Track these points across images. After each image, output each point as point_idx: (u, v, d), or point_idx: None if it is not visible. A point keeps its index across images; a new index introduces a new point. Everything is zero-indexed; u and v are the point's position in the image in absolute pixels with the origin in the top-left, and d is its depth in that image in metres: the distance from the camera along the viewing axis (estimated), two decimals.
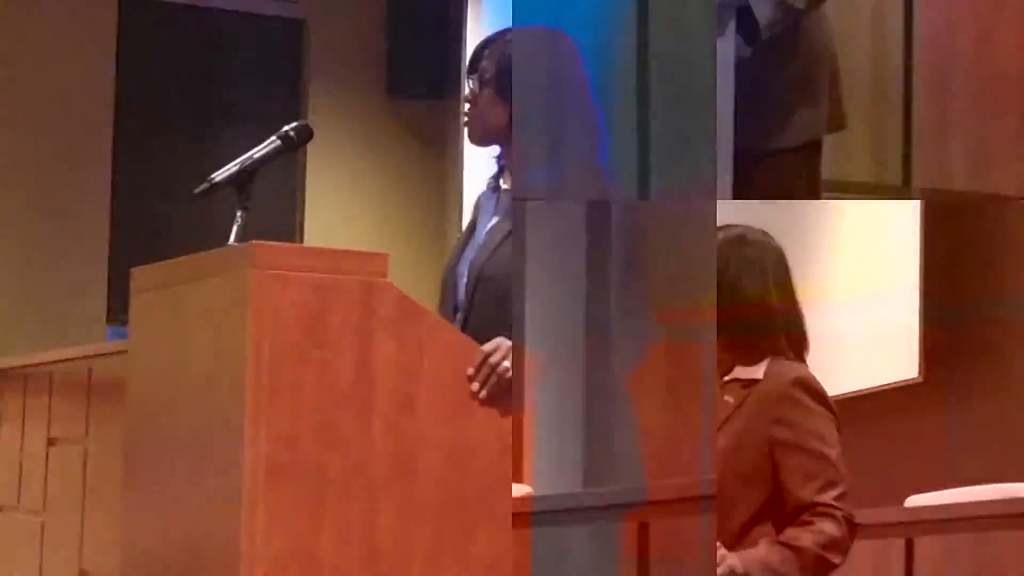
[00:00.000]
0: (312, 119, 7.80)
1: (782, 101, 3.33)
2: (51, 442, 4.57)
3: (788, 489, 2.73)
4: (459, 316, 3.37)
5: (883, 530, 3.77)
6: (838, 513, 2.69)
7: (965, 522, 3.63)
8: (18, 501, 4.75)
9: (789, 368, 2.82)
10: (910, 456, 4.57)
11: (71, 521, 4.27)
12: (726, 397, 2.83)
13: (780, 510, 2.75)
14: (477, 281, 3.36)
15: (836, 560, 2.70)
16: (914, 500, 3.89)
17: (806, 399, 2.77)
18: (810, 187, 3.44)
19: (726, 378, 2.84)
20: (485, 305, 3.32)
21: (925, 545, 3.73)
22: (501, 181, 3.51)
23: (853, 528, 2.72)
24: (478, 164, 7.99)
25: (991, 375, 4.43)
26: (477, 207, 3.57)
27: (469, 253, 3.44)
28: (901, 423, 4.73)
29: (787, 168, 3.36)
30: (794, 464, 2.73)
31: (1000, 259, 4.41)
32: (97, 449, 4.17)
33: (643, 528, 2.95)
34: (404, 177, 8.56)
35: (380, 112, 8.52)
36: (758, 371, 2.81)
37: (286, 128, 3.38)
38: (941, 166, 4.15)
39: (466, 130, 3.52)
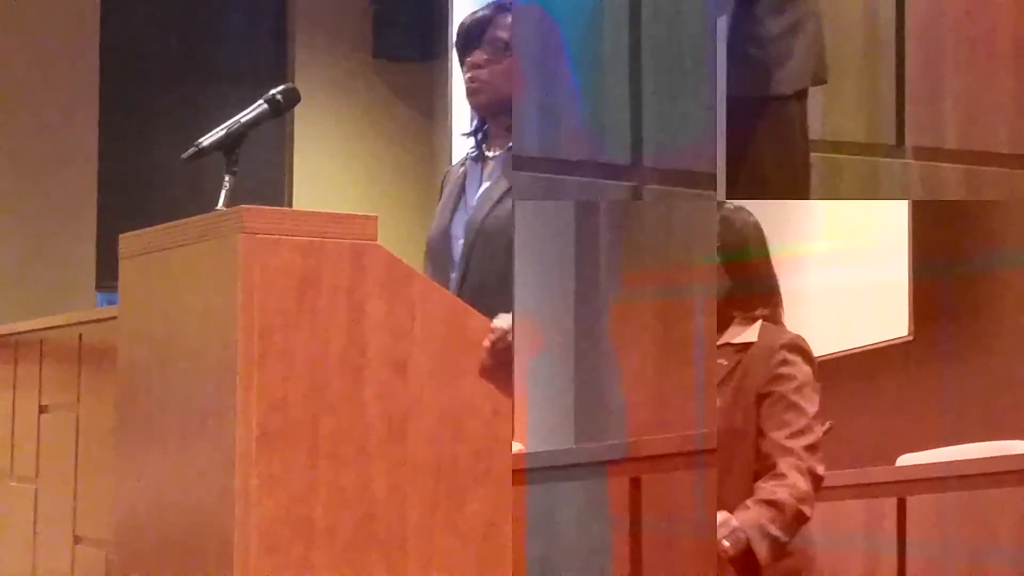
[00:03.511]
0: (298, 82, 7.79)
1: (775, 50, 3.42)
2: (43, 409, 4.56)
3: (763, 432, 2.89)
4: (456, 274, 3.37)
5: (875, 489, 3.79)
6: (803, 465, 2.81)
7: (957, 480, 3.64)
8: (11, 469, 4.74)
9: (780, 332, 2.99)
10: (902, 415, 4.58)
11: (64, 488, 4.27)
12: (720, 360, 2.91)
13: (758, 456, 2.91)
14: (476, 236, 3.35)
15: (809, 513, 2.84)
16: (906, 459, 3.90)
17: (795, 358, 2.95)
18: (801, 136, 3.54)
19: (718, 343, 2.92)
20: (484, 260, 3.32)
21: (917, 504, 3.74)
22: (484, 148, 3.50)
23: (818, 482, 2.87)
24: (466, 126, 7.99)
25: (982, 332, 4.43)
26: (452, 177, 3.56)
27: (462, 216, 3.44)
28: (892, 382, 4.74)
29: (780, 115, 3.45)
30: (773, 411, 2.91)
31: (990, 213, 4.40)
32: (89, 415, 4.16)
33: (635, 483, 2.96)
34: (391, 139, 8.54)
35: (366, 74, 8.50)
36: (751, 335, 2.92)
37: (273, 91, 3.36)
38: (934, 125, 4.14)
39: (474, 97, 3.45)
